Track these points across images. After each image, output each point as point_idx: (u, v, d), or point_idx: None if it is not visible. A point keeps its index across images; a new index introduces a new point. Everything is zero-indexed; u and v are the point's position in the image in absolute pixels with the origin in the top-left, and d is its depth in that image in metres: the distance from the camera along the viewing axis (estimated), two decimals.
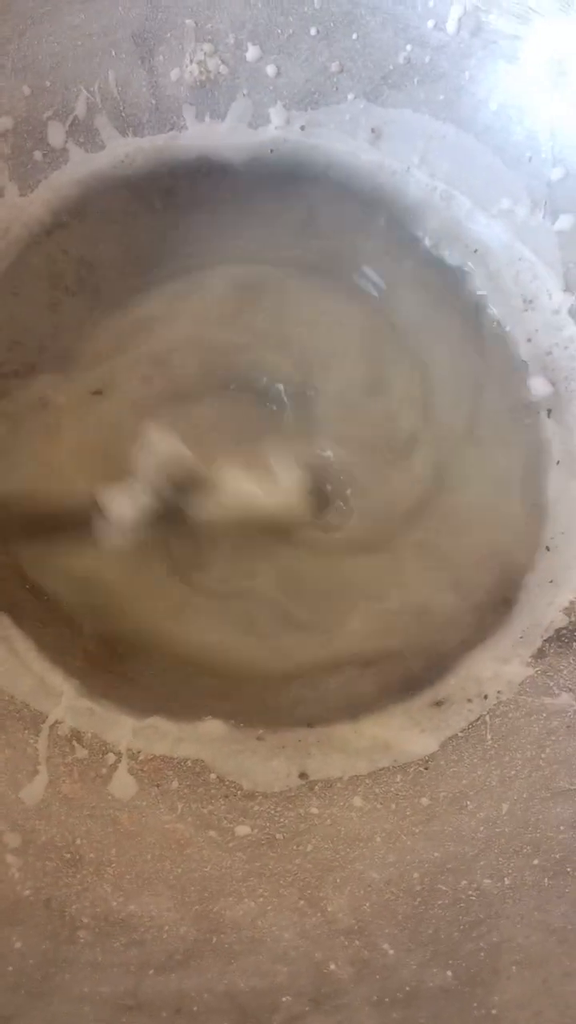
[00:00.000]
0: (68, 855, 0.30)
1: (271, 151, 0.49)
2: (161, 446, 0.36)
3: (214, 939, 0.28)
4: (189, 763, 0.35)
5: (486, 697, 0.38)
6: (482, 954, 0.27)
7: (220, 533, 0.39)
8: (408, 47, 0.46)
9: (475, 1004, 0.26)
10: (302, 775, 0.35)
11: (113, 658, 0.39)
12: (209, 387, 0.44)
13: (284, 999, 0.26)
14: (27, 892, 0.28)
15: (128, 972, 0.26)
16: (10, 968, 0.25)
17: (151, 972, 0.26)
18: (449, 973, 0.27)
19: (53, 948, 0.26)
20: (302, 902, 0.30)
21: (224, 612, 0.40)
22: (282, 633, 0.40)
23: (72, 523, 0.34)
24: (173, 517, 0.37)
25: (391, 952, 0.28)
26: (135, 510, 0.35)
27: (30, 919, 0.27)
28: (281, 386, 0.44)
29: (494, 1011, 0.25)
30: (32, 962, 0.26)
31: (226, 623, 0.40)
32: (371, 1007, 0.26)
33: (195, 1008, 0.25)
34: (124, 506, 0.35)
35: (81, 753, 0.34)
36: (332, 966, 0.27)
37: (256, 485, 0.38)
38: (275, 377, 0.45)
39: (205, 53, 0.47)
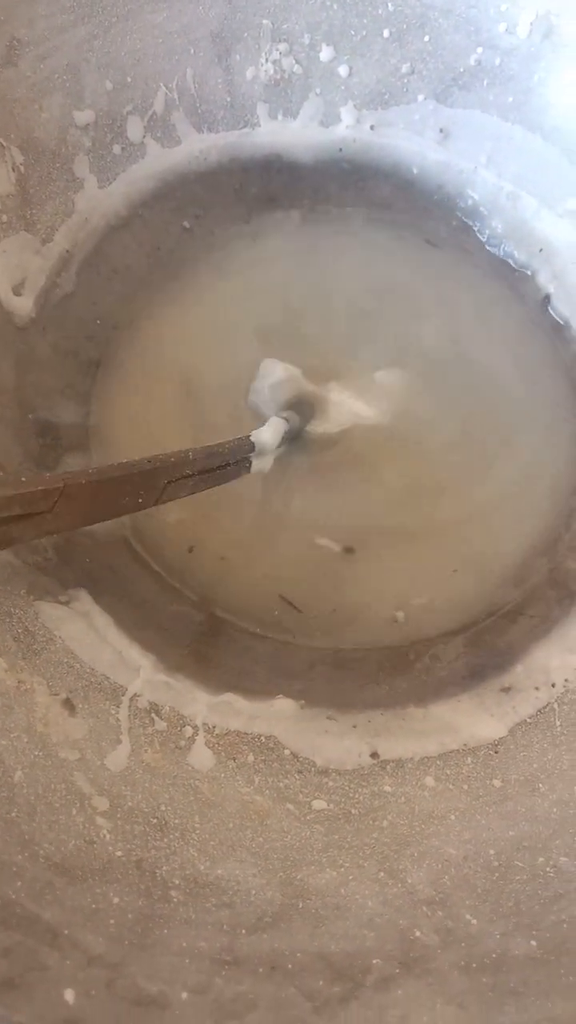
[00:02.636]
0: (154, 820, 0.31)
1: (340, 150, 0.50)
2: (281, 375, 0.42)
3: (300, 904, 0.29)
4: (263, 739, 0.36)
5: (553, 685, 0.38)
6: (564, 926, 0.28)
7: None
8: (479, 50, 0.47)
9: (562, 971, 0.26)
10: (373, 754, 0.36)
11: (188, 635, 0.39)
12: None
13: (375, 961, 0.26)
14: (119, 853, 0.29)
15: (222, 931, 0.27)
16: (111, 921, 0.26)
17: (243, 932, 0.27)
18: (533, 943, 0.27)
19: (148, 905, 0.27)
20: (382, 873, 0.30)
21: None
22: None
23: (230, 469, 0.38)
24: (297, 437, 0.43)
25: (474, 922, 0.28)
26: (278, 438, 0.40)
27: (124, 878, 0.28)
28: None
29: None
30: (131, 917, 0.27)
31: None
32: (460, 971, 0.26)
33: (289, 966, 0.26)
34: (270, 437, 0.40)
35: (160, 725, 0.35)
36: (418, 933, 0.28)
37: (364, 405, 0.43)
38: None
39: (280, 53, 0.48)
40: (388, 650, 0.41)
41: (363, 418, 0.44)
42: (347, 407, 0.44)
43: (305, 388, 0.43)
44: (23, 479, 0.32)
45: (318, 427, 0.43)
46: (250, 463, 0.39)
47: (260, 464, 0.40)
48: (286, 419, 0.41)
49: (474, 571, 0.43)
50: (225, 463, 0.37)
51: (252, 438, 0.39)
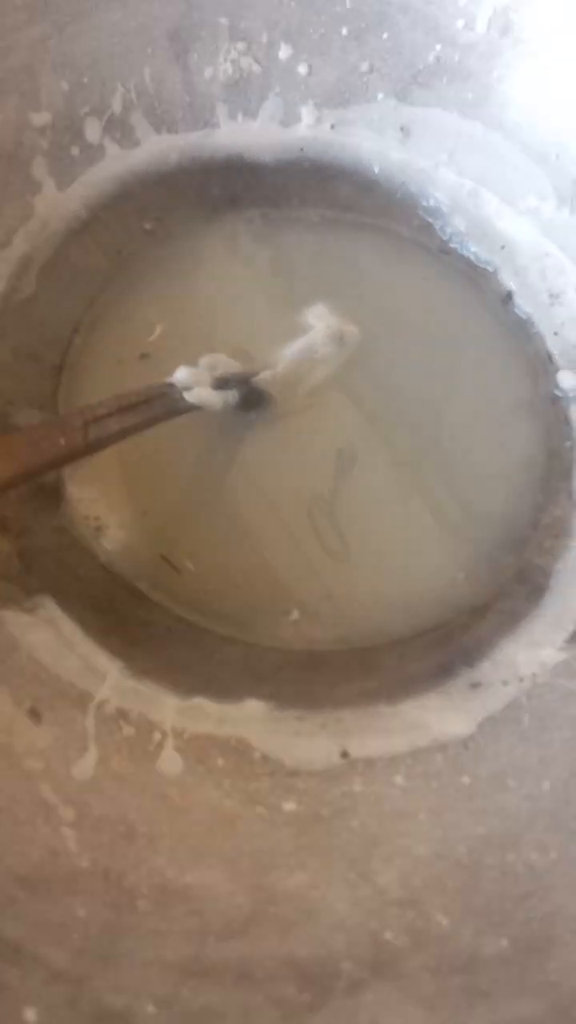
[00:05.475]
0: (122, 828, 0.30)
1: (301, 149, 0.49)
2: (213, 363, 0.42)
3: (270, 909, 0.28)
4: (233, 742, 0.35)
5: (522, 680, 0.38)
6: (535, 923, 0.28)
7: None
8: (438, 47, 0.47)
9: (533, 971, 0.26)
10: (343, 754, 0.36)
11: (153, 639, 0.39)
12: None
13: (344, 966, 0.26)
14: (85, 863, 0.29)
15: (190, 939, 0.27)
16: (76, 935, 0.26)
17: (211, 939, 0.27)
18: (504, 942, 0.27)
19: (115, 916, 0.27)
20: (352, 875, 0.30)
21: None
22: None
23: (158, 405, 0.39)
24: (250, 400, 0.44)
25: (445, 922, 0.28)
26: (201, 375, 0.41)
27: (90, 889, 0.28)
28: None
29: (553, 977, 0.26)
30: (96, 929, 0.26)
31: None
32: (430, 974, 0.26)
33: (258, 974, 0.26)
34: (186, 373, 0.40)
35: (128, 731, 0.35)
36: (388, 935, 0.28)
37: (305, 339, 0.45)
38: None
39: (239, 52, 0.48)
40: (358, 649, 0.41)
41: (303, 350, 0.45)
42: (286, 351, 0.45)
43: (232, 365, 0.43)
44: None
45: (266, 376, 0.44)
46: (182, 398, 0.40)
47: (200, 399, 0.40)
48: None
49: (435, 574, 0.43)
50: (147, 399, 0.38)
51: (169, 378, 0.40)
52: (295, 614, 0.41)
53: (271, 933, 0.27)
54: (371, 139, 0.49)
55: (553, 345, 0.47)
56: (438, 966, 0.26)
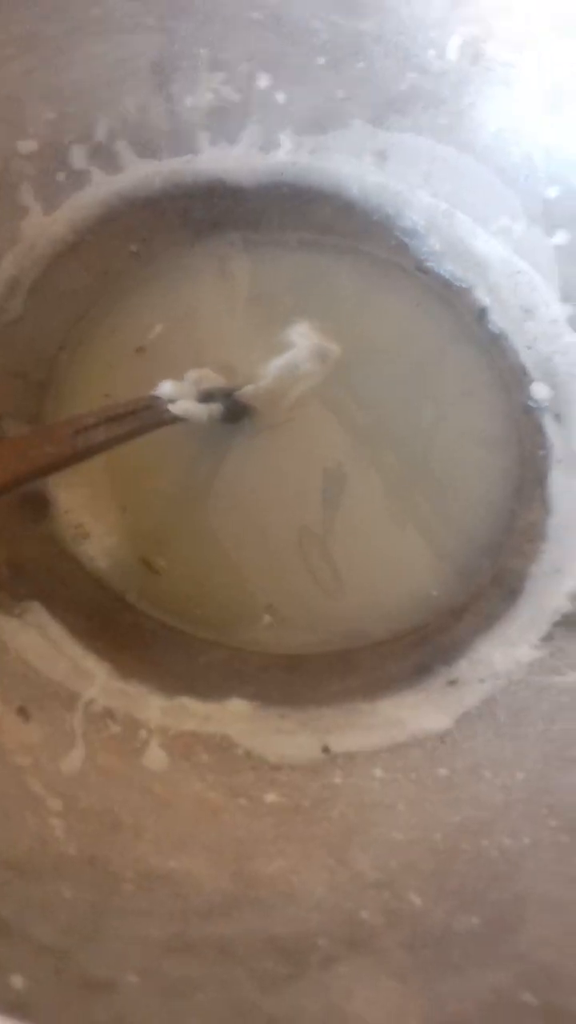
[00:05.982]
0: (108, 819, 0.31)
1: (280, 174, 0.51)
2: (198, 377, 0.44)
3: (250, 893, 0.29)
4: (217, 738, 0.37)
5: (498, 677, 0.39)
6: (506, 903, 0.29)
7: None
8: (411, 75, 0.49)
9: (502, 945, 0.27)
10: (324, 749, 0.37)
11: (140, 643, 0.40)
12: None
13: (321, 942, 0.27)
14: (72, 851, 0.30)
15: (173, 919, 0.28)
16: (62, 914, 0.27)
17: (195, 919, 0.28)
18: (476, 919, 0.28)
19: (101, 898, 0.28)
20: (331, 861, 0.31)
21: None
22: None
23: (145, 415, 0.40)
24: (234, 413, 0.45)
25: (419, 902, 0.29)
26: (186, 386, 0.42)
27: (76, 874, 0.29)
28: None
29: (522, 948, 0.27)
30: (82, 909, 0.27)
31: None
32: (404, 949, 0.27)
33: (239, 950, 0.27)
34: (170, 386, 0.42)
35: (115, 729, 0.36)
36: (364, 914, 0.29)
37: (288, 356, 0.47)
38: None
39: (219, 81, 0.50)
40: (339, 651, 0.42)
41: (287, 366, 0.47)
42: (270, 367, 0.47)
43: (217, 380, 0.45)
44: None
45: (249, 390, 0.46)
46: (167, 410, 0.41)
47: (185, 411, 0.42)
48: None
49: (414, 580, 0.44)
50: (133, 411, 0.40)
51: (154, 390, 0.42)
52: (267, 619, 0.42)
53: (251, 914, 0.28)
54: (348, 164, 0.51)
55: (526, 358, 0.49)
56: (411, 942, 0.27)
